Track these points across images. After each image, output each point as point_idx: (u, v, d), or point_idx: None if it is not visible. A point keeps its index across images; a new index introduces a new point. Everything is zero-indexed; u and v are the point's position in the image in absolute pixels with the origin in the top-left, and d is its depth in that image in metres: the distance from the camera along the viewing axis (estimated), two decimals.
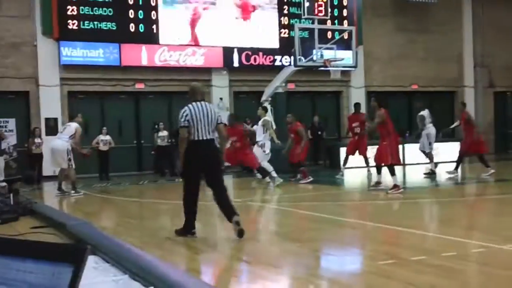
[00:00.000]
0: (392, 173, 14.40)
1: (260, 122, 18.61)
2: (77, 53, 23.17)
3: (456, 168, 18.69)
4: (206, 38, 25.11)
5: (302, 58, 20.94)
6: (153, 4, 24.19)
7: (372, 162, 17.08)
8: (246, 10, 25.96)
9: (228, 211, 8.74)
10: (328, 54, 21.32)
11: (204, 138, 8.61)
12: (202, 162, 8.68)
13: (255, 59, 25.92)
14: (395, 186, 14.27)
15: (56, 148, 16.07)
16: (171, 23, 24.53)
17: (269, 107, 21.40)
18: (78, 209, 14.01)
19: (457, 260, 6.80)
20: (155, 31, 24.23)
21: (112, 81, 24.08)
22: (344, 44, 22.48)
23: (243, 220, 8.66)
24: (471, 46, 31.39)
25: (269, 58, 26.17)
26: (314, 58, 20.93)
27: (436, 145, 20.04)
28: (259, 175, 18.57)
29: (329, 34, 24.52)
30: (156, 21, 24.22)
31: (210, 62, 25.29)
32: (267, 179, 17.69)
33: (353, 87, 28.23)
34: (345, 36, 22.81)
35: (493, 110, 32.06)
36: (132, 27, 23.80)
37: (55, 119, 22.94)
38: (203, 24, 25.13)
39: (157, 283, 5.43)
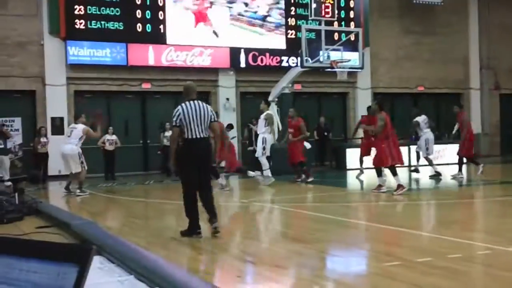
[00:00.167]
0: (394, 173, 14.52)
1: (262, 116, 18.59)
2: (84, 52, 23.20)
3: (460, 170, 18.74)
4: (213, 38, 25.13)
5: (309, 59, 20.95)
6: (160, 4, 24.21)
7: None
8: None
9: (210, 213, 8.87)
10: (334, 55, 21.33)
11: (197, 136, 8.70)
12: (196, 159, 8.74)
13: (262, 59, 25.91)
14: (399, 186, 14.34)
15: (67, 153, 16.09)
16: (178, 23, 24.55)
17: (275, 107, 21.41)
18: (83, 209, 14.02)
19: (462, 262, 6.79)
20: (162, 31, 24.25)
21: (119, 80, 24.11)
22: (351, 46, 22.48)
23: (248, 220, 8.65)
24: (477, 48, 31.34)
25: (276, 59, 26.16)
26: (321, 59, 20.93)
27: (443, 147, 20.01)
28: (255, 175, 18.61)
29: (336, 36, 24.52)
30: (163, 21, 24.24)
31: (217, 63, 25.30)
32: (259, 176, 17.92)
33: (360, 89, 28.21)
34: (352, 37, 22.81)
35: (499, 112, 31.99)
36: (139, 27, 23.82)
37: (61, 119, 22.97)
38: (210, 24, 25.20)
39: (162, 283, 5.44)
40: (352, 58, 22.14)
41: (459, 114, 19.17)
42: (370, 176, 17.45)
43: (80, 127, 16.14)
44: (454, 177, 18.67)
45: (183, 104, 8.86)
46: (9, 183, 15.68)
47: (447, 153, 22.64)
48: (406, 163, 19.29)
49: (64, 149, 16.22)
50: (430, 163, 19.29)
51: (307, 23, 23.32)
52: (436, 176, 18.87)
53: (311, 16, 21.13)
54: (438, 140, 22.97)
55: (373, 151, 17.04)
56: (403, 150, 19.36)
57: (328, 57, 21.08)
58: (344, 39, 22.99)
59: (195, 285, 5.17)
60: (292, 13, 26.51)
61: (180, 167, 8.89)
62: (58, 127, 22.79)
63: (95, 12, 23.20)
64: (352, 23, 27.14)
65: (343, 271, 6.92)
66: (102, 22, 23.34)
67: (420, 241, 8.39)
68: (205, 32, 25.07)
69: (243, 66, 25.68)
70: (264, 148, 18.19)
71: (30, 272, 1.95)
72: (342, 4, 26.79)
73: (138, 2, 23.83)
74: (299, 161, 18.58)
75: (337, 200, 14.50)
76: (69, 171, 16.29)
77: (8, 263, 1.99)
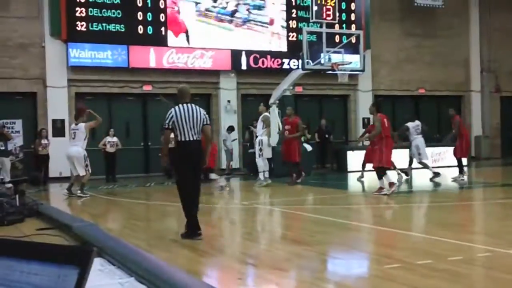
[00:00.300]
0: (383, 175, 14.90)
1: (260, 118, 18.74)
2: (85, 54, 23.21)
3: (461, 172, 18.79)
4: (214, 40, 25.14)
5: (310, 61, 20.93)
6: (161, 6, 24.22)
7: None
8: None
9: (193, 224, 9.02)
10: (335, 57, 21.35)
11: (190, 139, 8.86)
12: (189, 161, 8.91)
13: (263, 62, 25.92)
14: (380, 188, 14.84)
15: (73, 156, 16.15)
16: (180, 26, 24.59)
17: (276, 110, 21.43)
18: (84, 211, 14.03)
19: (463, 264, 6.79)
20: (163, 33, 24.26)
21: (120, 82, 24.11)
22: (352, 48, 22.48)
23: (249, 222, 8.66)
24: (478, 51, 31.35)
25: (277, 61, 26.16)
26: (322, 61, 20.92)
27: (443, 149, 20.04)
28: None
29: (337, 38, 24.50)
30: (164, 23, 24.25)
31: (218, 65, 25.30)
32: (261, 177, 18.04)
33: (361, 91, 28.20)
34: (353, 40, 22.80)
35: (499, 114, 32.00)
36: (140, 29, 23.83)
37: (62, 121, 22.96)
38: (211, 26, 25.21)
39: (163, 285, 5.44)
40: (353, 60, 22.12)
41: (454, 117, 19.27)
42: (371, 179, 17.45)
43: (81, 127, 16.17)
44: (454, 180, 18.69)
45: (176, 107, 8.99)
46: (10, 185, 15.67)
47: (448, 155, 22.59)
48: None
49: (70, 151, 16.26)
50: (425, 167, 19.35)
51: (308, 26, 23.32)
52: (436, 177, 18.88)
53: (312, 18, 21.10)
54: (438, 142, 23.01)
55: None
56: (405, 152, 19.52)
57: (329, 59, 21.07)
58: (345, 41, 22.96)
59: (195, 287, 5.18)
60: (294, 15, 26.51)
61: (175, 169, 9.15)
62: (59, 129, 22.80)
63: (96, 14, 23.20)
64: (353, 26, 27.12)
65: (343, 274, 6.92)
66: (104, 24, 23.35)
67: (420, 244, 8.39)
68: (205, 34, 25.05)
69: (244, 68, 25.68)
70: (260, 150, 18.34)
71: (30, 274, 1.95)
72: (343, 7, 26.79)
73: (140, 4, 23.84)
74: (296, 162, 18.71)
75: (338, 202, 14.51)
76: (77, 173, 16.31)
77: (9, 265, 1.99)
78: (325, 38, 20.90)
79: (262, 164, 18.38)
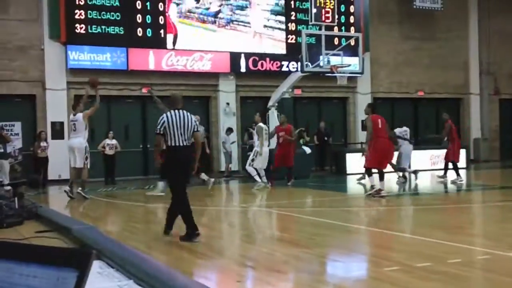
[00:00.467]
0: (369, 175, 15.45)
1: (255, 128, 18.89)
2: (84, 57, 23.22)
3: (458, 174, 18.93)
4: (213, 42, 25.14)
5: (309, 64, 20.97)
6: (161, 9, 24.23)
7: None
8: None
9: (171, 222, 9.41)
10: (335, 60, 21.35)
11: (180, 144, 9.05)
12: (179, 166, 9.14)
13: (262, 64, 25.93)
14: (372, 187, 15.25)
15: (74, 147, 16.18)
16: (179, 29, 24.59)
17: (275, 112, 21.45)
18: (83, 213, 14.02)
19: (462, 267, 6.79)
20: (162, 35, 24.28)
21: (119, 85, 24.10)
22: (351, 51, 22.50)
23: (248, 224, 8.66)
24: (477, 54, 31.37)
25: (276, 64, 26.17)
26: (321, 64, 20.95)
27: (443, 152, 20.10)
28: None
29: (336, 41, 24.53)
30: (163, 26, 24.26)
31: (217, 67, 25.30)
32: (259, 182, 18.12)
33: (360, 93, 28.22)
34: (352, 42, 22.83)
35: (498, 117, 32.03)
36: (139, 32, 23.84)
37: (61, 123, 22.95)
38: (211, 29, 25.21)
39: None
40: (352, 63, 22.17)
41: (446, 121, 19.45)
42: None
43: (80, 117, 16.19)
44: (453, 182, 18.77)
45: (168, 113, 9.24)
46: (9, 187, 15.67)
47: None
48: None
49: (72, 143, 16.33)
50: (396, 169, 19.44)
51: (307, 28, 23.35)
52: (404, 181, 19.36)
53: (311, 21, 21.16)
54: (437, 145, 23.04)
55: None
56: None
57: (328, 62, 21.10)
58: (344, 44, 23.00)
59: None
60: (293, 18, 26.53)
61: (167, 174, 9.50)
62: (58, 131, 22.80)
63: (95, 17, 23.21)
64: (352, 28, 27.16)
65: (342, 276, 6.92)
66: (103, 27, 23.37)
67: (419, 246, 8.39)
68: (205, 36, 25.05)
69: (244, 70, 25.69)
70: (252, 160, 18.51)
71: (30, 276, 1.95)
72: (342, 9, 26.81)
73: (139, 7, 23.86)
74: (291, 166, 18.86)
75: (337, 205, 14.51)
76: (73, 164, 16.35)
77: (8, 267, 1.99)
78: (324, 41, 20.94)
79: (251, 169, 18.56)
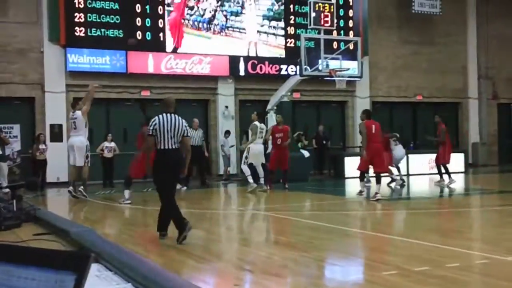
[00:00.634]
0: (361, 179, 16.02)
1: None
2: (83, 60, 23.22)
3: (449, 176, 19.05)
4: (212, 46, 25.16)
5: (308, 67, 20.98)
6: (160, 12, 24.25)
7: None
8: None
9: (163, 224, 9.48)
10: (333, 64, 21.37)
11: (169, 147, 9.19)
12: (167, 168, 9.23)
13: (261, 68, 25.94)
14: (360, 192, 16.01)
15: (75, 145, 16.27)
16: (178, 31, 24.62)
17: (274, 116, 21.45)
18: (81, 216, 14.02)
19: (460, 271, 6.79)
20: (162, 39, 24.29)
21: (118, 88, 24.10)
22: (350, 55, 22.53)
23: (246, 228, 8.66)
24: (475, 58, 31.39)
25: (275, 67, 26.19)
26: (320, 68, 20.96)
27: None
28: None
29: (335, 44, 24.53)
30: (163, 29, 24.28)
31: (216, 71, 25.31)
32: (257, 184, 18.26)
33: (358, 97, 28.23)
34: (351, 46, 22.86)
35: (496, 121, 32.04)
36: (139, 35, 23.85)
37: (60, 126, 22.95)
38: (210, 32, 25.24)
39: None
40: (351, 67, 22.20)
41: (440, 124, 19.52)
42: (373, 185, 17.47)
43: (79, 114, 16.28)
44: (447, 184, 18.88)
45: (160, 116, 9.35)
46: (7, 189, 15.66)
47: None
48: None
49: (74, 141, 16.41)
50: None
51: (306, 32, 23.37)
52: (393, 183, 19.42)
53: (310, 25, 21.16)
54: (436, 149, 23.02)
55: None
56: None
57: (327, 65, 21.12)
58: (343, 48, 23.00)
59: None
60: (292, 22, 26.55)
61: (154, 177, 9.54)
62: (57, 134, 22.79)
63: (95, 20, 23.23)
64: (351, 32, 27.20)
65: (340, 280, 6.93)
66: (102, 30, 23.38)
67: (417, 250, 8.39)
68: (203, 40, 25.08)
69: (242, 74, 25.70)
70: (246, 158, 18.54)
71: (28, 279, 1.95)
72: (341, 13, 26.85)
73: (138, 10, 23.88)
74: (286, 169, 18.86)
75: (335, 209, 14.50)
76: (72, 163, 16.41)
77: (6, 270, 1.99)
78: (323, 45, 20.95)
79: (246, 169, 18.59)
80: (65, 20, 22.85)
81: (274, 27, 26.38)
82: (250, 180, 18.35)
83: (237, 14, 25.86)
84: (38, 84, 23.01)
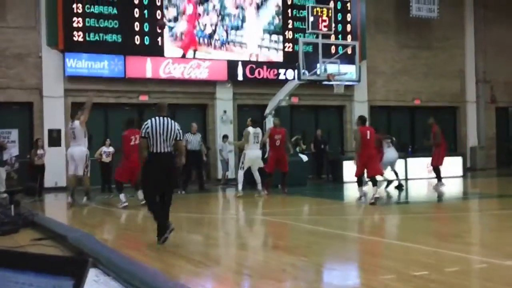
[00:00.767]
0: (359, 184, 16.19)
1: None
2: (82, 64, 23.19)
3: (440, 179, 19.10)
4: (211, 51, 25.18)
5: (306, 72, 20.98)
6: (158, 17, 24.24)
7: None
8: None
9: (162, 228, 9.41)
10: (331, 68, 21.39)
11: (161, 151, 9.27)
12: (159, 172, 9.30)
13: (259, 72, 25.94)
14: (360, 197, 16.15)
15: (75, 155, 16.35)
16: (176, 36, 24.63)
17: (272, 120, 21.44)
18: (79, 221, 13.99)
19: (459, 276, 6.78)
20: (160, 43, 24.29)
21: (117, 93, 24.09)
22: (348, 59, 22.56)
23: (244, 233, 8.66)
24: (473, 62, 31.42)
25: (273, 72, 26.19)
26: (318, 72, 20.96)
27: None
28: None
29: (333, 49, 24.58)
30: (161, 34, 24.27)
31: (214, 75, 25.30)
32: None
33: (356, 101, 28.23)
34: (349, 50, 22.87)
35: (495, 125, 32.05)
36: (137, 40, 23.84)
37: (58, 131, 22.92)
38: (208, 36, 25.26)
39: None
40: (349, 71, 22.22)
41: (434, 126, 19.55)
42: (369, 189, 17.48)
43: (77, 124, 16.34)
44: (435, 188, 19.01)
45: (152, 119, 9.45)
46: (5, 195, 15.63)
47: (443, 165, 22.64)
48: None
49: (74, 151, 16.47)
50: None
51: (304, 37, 23.37)
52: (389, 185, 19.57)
53: (308, 29, 21.17)
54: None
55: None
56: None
57: (325, 70, 21.12)
58: (341, 52, 23.02)
59: None
60: (290, 26, 26.56)
61: (143, 179, 9.66)
62: (55, 139, 22.75)
63: (93, 25, 23.21)
64: (349, 37, 27.21)
65: (339, 284, 6.91)
66: (100, 35, 23.36)
67: (416, 254, 8.38)
68: (203, 54, 25.10)
69: (241, 79, 25.69)
70: (242, 163, 18.58)
71: (25, 284, 1.94)
72: (339, 18, 26.87)
73: (136, 15, 23.88)
74: (285, 172, 18.83)
75: (333, 213, 14.50)
76: (72, 172, 16.48)
77: (3, 275, 1.98)
78: (321, 49, 20.95)
79: (240, 175, 18.67)
80: (64, 25, 22.83)
81: (275, 41, 26.39)
82: (240, 187, 18.45)
83: (237, 28, 25.88)
84: (36, 89, 22.97)
